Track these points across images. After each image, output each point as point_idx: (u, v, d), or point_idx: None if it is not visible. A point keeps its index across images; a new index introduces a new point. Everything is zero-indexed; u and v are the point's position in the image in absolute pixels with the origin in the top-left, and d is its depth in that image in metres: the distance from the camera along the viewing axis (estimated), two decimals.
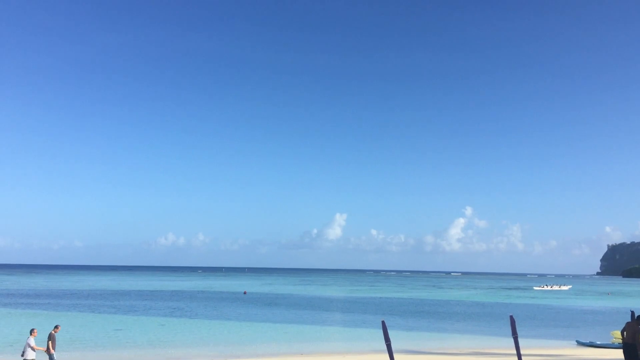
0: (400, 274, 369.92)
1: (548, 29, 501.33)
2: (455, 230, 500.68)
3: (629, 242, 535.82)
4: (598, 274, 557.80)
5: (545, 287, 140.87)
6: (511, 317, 20.49)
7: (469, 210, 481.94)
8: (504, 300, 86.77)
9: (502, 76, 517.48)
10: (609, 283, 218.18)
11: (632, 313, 24.96)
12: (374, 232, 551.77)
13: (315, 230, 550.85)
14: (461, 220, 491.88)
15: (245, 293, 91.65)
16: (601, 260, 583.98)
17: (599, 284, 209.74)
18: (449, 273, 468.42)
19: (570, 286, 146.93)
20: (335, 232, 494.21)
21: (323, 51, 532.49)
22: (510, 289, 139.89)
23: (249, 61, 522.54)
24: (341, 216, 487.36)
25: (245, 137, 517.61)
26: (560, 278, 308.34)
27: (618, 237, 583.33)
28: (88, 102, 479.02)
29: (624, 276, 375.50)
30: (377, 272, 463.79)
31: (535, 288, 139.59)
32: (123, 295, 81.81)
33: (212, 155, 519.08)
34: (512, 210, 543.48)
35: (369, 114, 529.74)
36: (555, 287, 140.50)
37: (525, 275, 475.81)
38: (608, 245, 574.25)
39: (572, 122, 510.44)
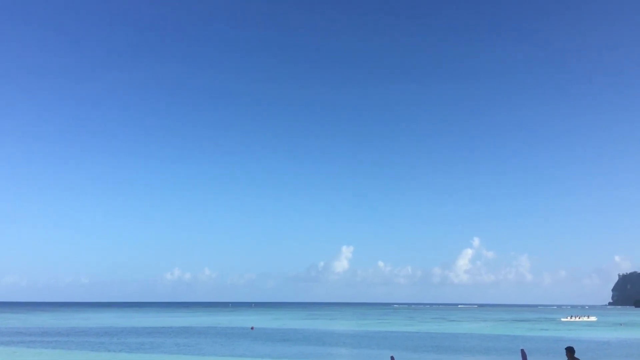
0: (409, 307, 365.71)
1: (551, 57, 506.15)
2: (463, 261, 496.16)
3: (639, 272, 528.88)
4: (610, 304, 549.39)
5: (572, 318, 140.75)
6: (522, 350, 20.35)
7: (476, 241, 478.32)
8: (515, 333, 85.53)
9: (506, 106, 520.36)
10: (621, 313, 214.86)
11: None
12: (381, 264, 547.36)
13: (321, 263, 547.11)
14: (469, 251, 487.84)
15: (252, 328, 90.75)
16: (612, 290, 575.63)
17: (612, 314, 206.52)
18: (457, 305, 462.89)
19: (595, 318, 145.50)
20: (342, 264, 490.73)
21: (326, 84, 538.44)
22: (522, 320, 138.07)
23: (251, 95, 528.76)
24: (348, 248, 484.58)
25: (250, 171, 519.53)
26: (574, 309, 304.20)
27: (627, 266, 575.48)
28: (92, 137, 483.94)
29: (636, 306, 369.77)
30: (385, 305, 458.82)
31: (562, 319, 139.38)
32: (131, 332, 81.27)
33: (217, 189, 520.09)
34: (520, 240, 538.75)
35: (373, 146, 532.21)
36: (584, 318, 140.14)
37: (536, 306, 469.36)
38: (619, 275, 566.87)
39: (578, 153, 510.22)
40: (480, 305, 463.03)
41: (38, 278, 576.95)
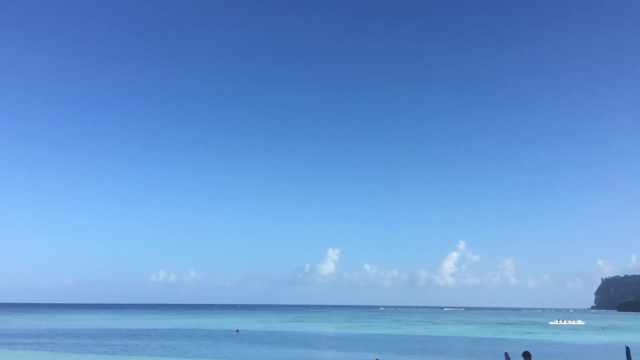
0: (395, 310, 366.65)
1: (546, 63, 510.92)
2: (449, 264, 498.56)
3: (622, 276, 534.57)
4: (593, 307, 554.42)
5: (560, 321, 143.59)
6: (506, 354, 20.57)
7: (462, 245, 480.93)
8: (499, 336, 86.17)
9: (492, 111, 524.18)
10: (604, 317, 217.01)
11: (627, 349, 25.06)
12: (367, 267, 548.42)
13: (308, 266, 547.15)
14: (454, 255, 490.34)
15: (238, 331, 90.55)
16: (595, 294, 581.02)
17: (595, 318, 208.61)
18: (442, 308, 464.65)
19: (583, 322, 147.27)
20: (328, 267, 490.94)
21: (315, 87, 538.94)
22: (506, 324, 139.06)
23: (239, 97, 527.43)
24: (334, 251, 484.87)
25: (235, 173, 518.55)
26: (558, 312, 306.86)
27: (610, 270, 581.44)
28: (75, 138, 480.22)
29: (618, 310, 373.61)
30: (371, 307, 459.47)
31: (550, 323, 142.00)
32: (115, 334, 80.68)
33: (203, 192, 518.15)
34: (504, 244, 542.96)
35: (361, 150, 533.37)
36: (572, 322, 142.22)
37: (520, 309, 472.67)
38: (602, 279, 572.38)
39: (562, 159, 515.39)
40: (466, 308, 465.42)
41: (20, 279, 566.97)
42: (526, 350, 19.32)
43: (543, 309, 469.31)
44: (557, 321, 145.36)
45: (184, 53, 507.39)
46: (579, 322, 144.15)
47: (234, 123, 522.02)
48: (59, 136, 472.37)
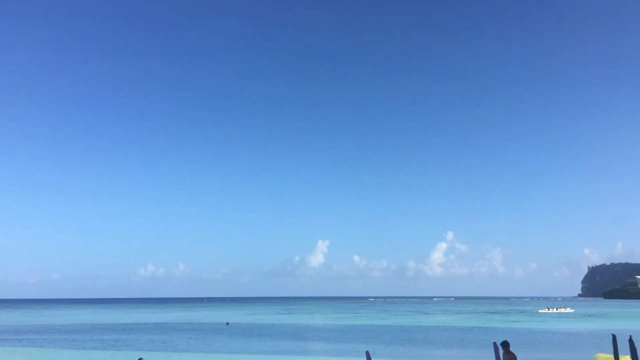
0: (385, 300, 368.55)
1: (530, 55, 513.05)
2: (437, 255, 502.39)
3: (608, 264, 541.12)
4: (579, 295, 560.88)
5: (550, 309, 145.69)
6: (495, 344, 20.75)
7: (450, 235, 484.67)
8: (488, 325, 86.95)
9: (480, 104, 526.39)
10: (591, 305, 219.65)
11: (614, 337, 25.36)
12: (356, 258, 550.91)
13: (297, 258, 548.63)
14: (443, 245, 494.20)
15: (227, 324, 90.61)
16: (582, 282, 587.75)
17: (582, 305, 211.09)
18: (431, 298, 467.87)
19: (573, 310, 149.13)
20: (317, 259, 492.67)
21: (303, 80, 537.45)
22: (495, 312, 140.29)
23: (228, 90, 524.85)
24: (323, 243, 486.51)
25: (224, 165, 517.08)
26: (546, 301, 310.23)
27: (597, 258, 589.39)
28: (60, 133, 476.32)
29: (605, 297, 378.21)
30: (360, 298, 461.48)
31: (540, 311, 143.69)
32: (105, 329, 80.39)
33: (191, 185, 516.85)
34: (492, 234, 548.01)
35: (349, 142, 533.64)
36: (562, 310, 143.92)
37: (508, 298, 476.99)
38: (588, 267, 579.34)
39: (549, 150, 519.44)
40: (455, 298, 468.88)
41: (7, 275, 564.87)
42: (505, 339, 19.55)
43: (531, 298, 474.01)
44: (546, 309, 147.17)
45: (174, 45, 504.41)
46: (568, 309, 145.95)
47: (222, 116, 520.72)
48: (43, 131, 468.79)
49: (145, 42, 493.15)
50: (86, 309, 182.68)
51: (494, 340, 21.25)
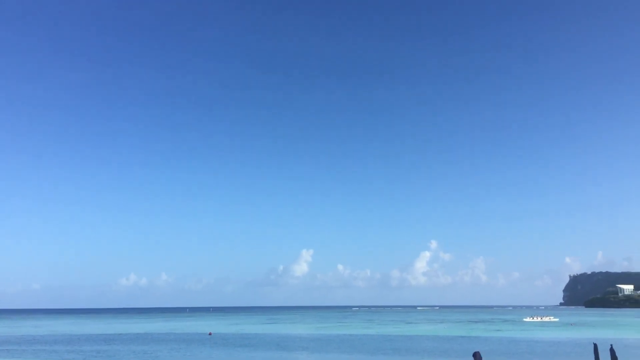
0: (368, 310, 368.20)
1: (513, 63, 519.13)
2: (421, 263, 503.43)
3: (589, 273, 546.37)
4: (561, 304, 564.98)
5: (534, 318, 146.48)
6: (477, 353, 20.81)
7: (434, 244, 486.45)
8: (471, 334, 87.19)
9: (463, 111, 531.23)
10: (572, 314, 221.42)
11: (595, 346, 25.57)
12: (340, 267, 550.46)
13: (281, 267, 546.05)
14: (426, 254, 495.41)
15: (210, 334, 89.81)
16: (564, 291, 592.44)
17: (563, 314, 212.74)
18: (415, 307, 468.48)
19: (557, 318, 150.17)
20: (301, 268, 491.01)
21: (290, 88, 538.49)
22: (478, 322, 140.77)
23: (213, 99, 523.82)
24: (307, 252, 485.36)
25: (207, 174, 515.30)
26: (529, 309, 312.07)
27: (578, 267, 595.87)
28: (40, 144, 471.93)
29: (586, 306, 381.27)
30: (344, 308, 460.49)
31: (525, 320, 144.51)
32: (86, 339, 79.27)
33: (174, 194, 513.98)
34: (475, 242, 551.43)
35: (332, 150, 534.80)
36: (546, 319, 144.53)
37: (492, 307, 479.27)
38: (570, 276, 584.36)
39: (529, 159, 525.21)
40: (439, 307, 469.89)
41: None
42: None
43: (514, 307, 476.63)
44: (530, 318, 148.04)
45: (161, 53, 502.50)
46: (551, 318, 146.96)
47: (205, 125, 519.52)
48: (21, 140, 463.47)
49: (132, 50, 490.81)
50: (67, 319, 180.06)
51: (475, 351, 21.31)
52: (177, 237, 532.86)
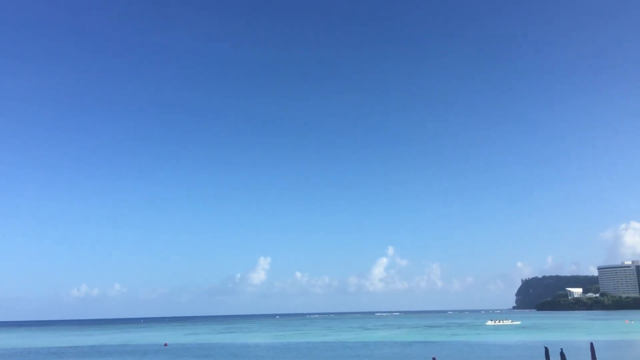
0: (327, 317, 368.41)
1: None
2: (378, 270, 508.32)
3: (540, 277, 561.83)
4: (514, 307, 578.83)
5: (494, 322, 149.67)
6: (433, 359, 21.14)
7: (391, 250, 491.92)
8: (428, 339, 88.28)
9: (416, 117, 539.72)
10: (525, 317, 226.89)
11: (546, 349, 26.32)
12: (298, 274, 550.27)
13: (238, 275, 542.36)
14: (384, 260, 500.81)
15: (166, 345, 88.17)
16: (516, 295, 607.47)
17: (516, 317, 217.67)
18: (373, 313, 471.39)
19: (519, 322, 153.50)
20: (259, 276, 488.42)
21: (242, 94, 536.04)
22: (434, 327, 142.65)
23: (167, 104, 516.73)
24: (265, 259, 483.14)
25: (160, 182, 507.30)
26: (487, 314, 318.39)
27: (529, 271, 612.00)
28: None
29: (537, 309, 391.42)
30: (302, 315, 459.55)
31: (487, 323, 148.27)
32: (36, 353, 76.58)
33: (124, 202, 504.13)
34: (431, 248, 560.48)
35: (288, 157, 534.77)
36: (507, 322, 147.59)
37: (446, 312, 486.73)
38: (522, 280, 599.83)
39: (482, 164, 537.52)
40: (396, 313, 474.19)
41: None
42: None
43: (470, 311, 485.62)
44: (492, 321, 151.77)
45: (102, 57, 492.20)
46: (509, 321, 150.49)
47: (158, 131, 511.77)
48: None
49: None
50: (14, 332, 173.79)
51: (433, 356, 21.65)
52: (130, 246, 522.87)
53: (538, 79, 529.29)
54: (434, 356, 21.52)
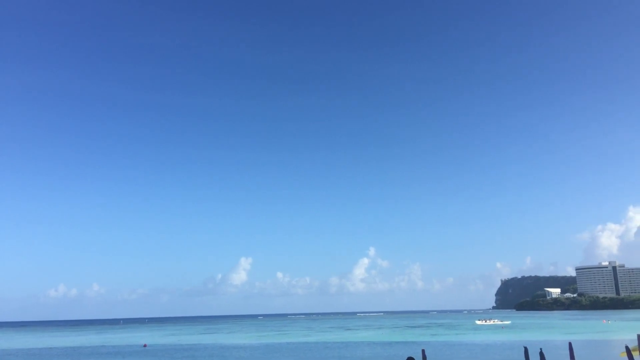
0: (308, 317, 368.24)
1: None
2: (360, 270, 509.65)
3: (519, 277, 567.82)
4: (494, 307, 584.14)
5: (485, 321, 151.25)
6: (411, 358, 21.13)
7: (372, 251, 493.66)
8: (408, 339, 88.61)
9: (397, 118, 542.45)
10: (504, 316, 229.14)
11: (525, 349, 26.44)
12: (279, 275, 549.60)
13: (219, 276, 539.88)
14: (365, 261, 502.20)
15: (145, 346, 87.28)
16: (496, 295, 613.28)
17: (496, 317, 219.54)
18: (355, 313, 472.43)
19: (509, 321, 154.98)
20: (240, 276, 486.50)
21: (227, 94, 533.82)
22: (415, 327, 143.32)
23: (147, 105, 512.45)
24: (246, 260, 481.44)
25: (140, 182, 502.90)
26: (470, 314, 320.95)
27: (508, 272, 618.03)
28: None
29: (517, 309, 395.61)
30: (283, 316, 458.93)
31: (477, 322, 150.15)
32: (13, 355, 75.36)
33: (103, 201, 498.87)
34: (412, 249, 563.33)
35: (268, 158, 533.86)
36: (496, 322, 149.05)
37: (428, 312, 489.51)
38: (501, 280, 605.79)
39: (461, 164, 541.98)
40: (377, 313, 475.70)
41: None
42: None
43: (451, 311, 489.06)
44: (480, 321, 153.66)
45: (89, 57, 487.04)
46: (496, 321, 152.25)
47: (137, 131, 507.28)
48: None
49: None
50: None
51: (422, 348, 21.66)
52: (110, 246, 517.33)
53: (519, 80, 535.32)
54: (423, 348, 21.48)
